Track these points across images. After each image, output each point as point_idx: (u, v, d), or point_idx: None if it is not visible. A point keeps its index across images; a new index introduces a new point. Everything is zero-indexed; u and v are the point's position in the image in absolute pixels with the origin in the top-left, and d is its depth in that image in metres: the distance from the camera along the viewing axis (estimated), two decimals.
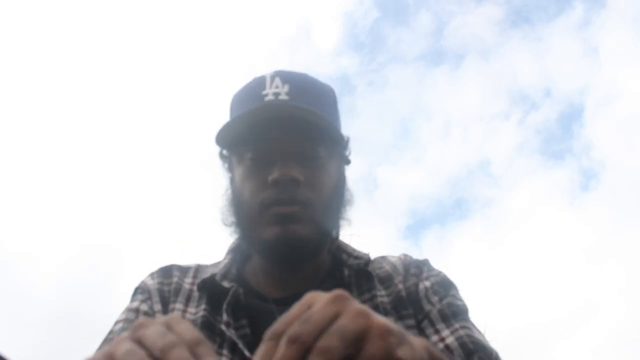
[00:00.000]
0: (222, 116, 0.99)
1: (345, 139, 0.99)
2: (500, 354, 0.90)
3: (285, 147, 0.90)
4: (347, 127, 1.02)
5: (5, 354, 0.64)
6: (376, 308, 0.90)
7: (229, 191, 0.99)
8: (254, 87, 0.94)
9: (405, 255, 1.04)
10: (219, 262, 1.00)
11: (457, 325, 0.89)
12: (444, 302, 0.93)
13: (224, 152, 1.00)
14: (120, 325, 0.91)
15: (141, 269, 1.01)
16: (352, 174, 1.03)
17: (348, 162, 1.02)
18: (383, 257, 1.04)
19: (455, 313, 0.92)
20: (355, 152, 1.02)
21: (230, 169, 1.00)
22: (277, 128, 0.90)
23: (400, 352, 0.46)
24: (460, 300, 0.96)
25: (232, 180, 0.99)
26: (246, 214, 0.92)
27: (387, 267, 0.99)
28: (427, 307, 0.93)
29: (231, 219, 0.97)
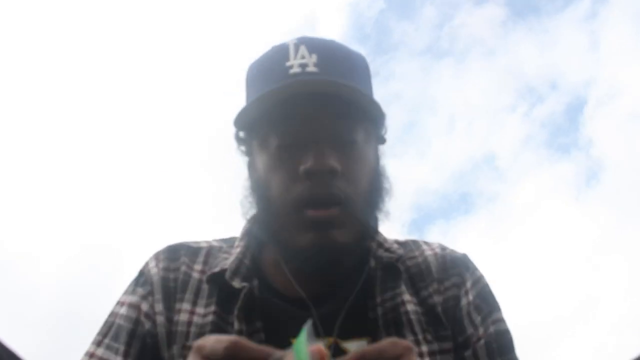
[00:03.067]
0: (223, 113, 0.94)
1: (383, 114, 0.85)
2: None
3: (318, 129, 0.77)
4: None
5: (17, 352, 0.63)
6: (396, 309, 0.80)
7: (250, 181, 0.86)
8: (276, 57, 0.81)
9: (443, 249, 0.91)
10: (232, 247, 0.89)
11: None
12: (491, 329, 0.83)
13: (242, 134, 0.86)
14: (123, 314, 0.84)
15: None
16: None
17: (384, 141, 0.88)
18: (416, 244, 0.91)
19: (502, 348, 0.82)
20: None
21: (250, 153, 0.86)
22: (308, 107, 0.77)
23: None
24: (506, 324, 0.85)
25: (251, 166, 0.86)
26: (276, 215, 0.79)
27: (420, 261, 0.88)
28: (470, 329, 0.82)
29: (254, 212, 0.86)
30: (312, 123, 0.77)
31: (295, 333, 0.78)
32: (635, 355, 0.59)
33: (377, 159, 0.86)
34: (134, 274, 0.90)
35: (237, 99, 0.89)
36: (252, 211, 0.86)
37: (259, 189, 0.82)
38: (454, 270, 0.87)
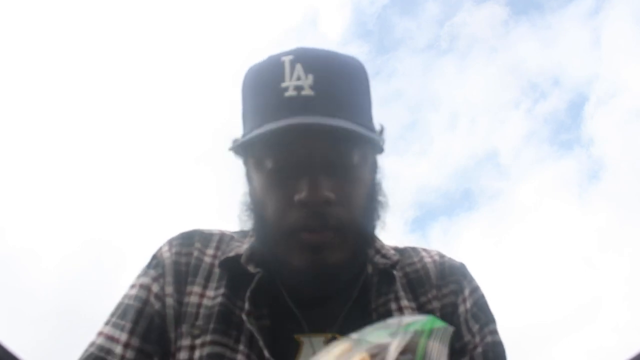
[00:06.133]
0: (224, 110, 0.95)
1: (380, 129, 0.86)
2: None
3: (313, 156, 0.77)
4: None
5: (15, 352, 0.63)
6: (389, 314, 0.83)
7: (247, 196, 0.88)
8: (271, 74, 0.80)
9: (442, 257, 0.93)
10: (244, 237, 0.92)
11: None
12: (488, 338, 0.85)
13: (238, 149, 0.87)
14: (133, 294, 0.87)
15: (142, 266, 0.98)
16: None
17: (382, 150, 0.88)
18: (415, 251, 0.94)
19: (498, 359, 0.84)
20: None
21: (247, 167, 0.88)
22: (303, 135, 0.77)
23: None
24: (500, 336, 0.87)
25: (249, 179, 0.87)
26: (271, 235, 0.81)
27: (419, 268, 0.91)
28: (467, 336, 0.85)
29: (251, 228, 0.87)
30: (307, 150, 0.78)
31: (297, 325, 0.82)
32: (635, 352, 0.60)
33: (374, 174, 0.87)
34: (135, 270, 0.92)
35: (237, 97, 0.90)
36: (249, 225, 0.88)
37: (256, 208, 0.84)
38: (452, 278, 0.90)
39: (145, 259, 0.93)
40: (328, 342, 0.81)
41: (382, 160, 0.90)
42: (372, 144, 0.84)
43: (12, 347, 0.64)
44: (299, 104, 0.77)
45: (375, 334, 0.55)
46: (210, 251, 0.90)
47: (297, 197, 0.77)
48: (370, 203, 0.84)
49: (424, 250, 0.95)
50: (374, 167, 0.87)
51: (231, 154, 0.89)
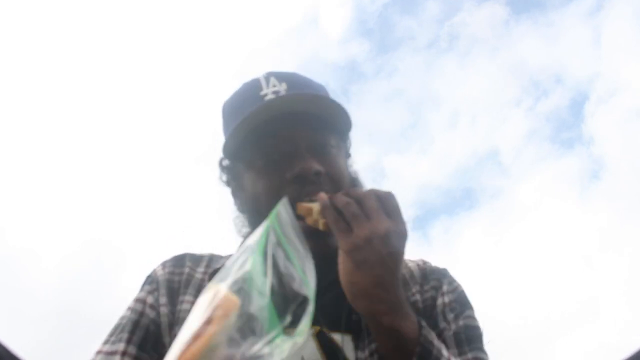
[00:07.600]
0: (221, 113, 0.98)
1: (350, 124, 0.97)
2: None
3: (297, 142, 0.89)
4: (355, 115, 1.01)
5: (16, 352, 0.64)
6: None
7: (239, 203, 0.97)
8: (249, 90, 0.93)
9: (424, 262, 1.02)
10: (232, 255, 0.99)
11: (469, 356, 0.87)
12: (460, 322, 0.91)
13: (225, 162, 0.98)
14: (129, 312, 0.93)
15: (142, 266, 1.02)
16: (360, 163, 1.04)
17: (349, 155, 1.01)
18: None
19: (470, 339, 0.90)
20: (363, 141, 1.02)
21: (236, 178, 0.97)
22: (285, 126, 0.88)
23: None
24: (476, 321, 0.93)
25: (238, 190, 0.97)
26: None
27: (405, 272, 0.97)
28: (442, 324, 0.91)
29: (247, 229, 0.95)
30: (290, 138, 0.89)
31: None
32: (634, 350, 0.60)
33: (349, 167, 0.98)
34: (134, 270, 0.97)
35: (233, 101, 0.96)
36: (245, 229, 0.96)
37: (249, 204, 0.93)
38: (433, 276, 0.99)
39: (142, 277, 0.99)
40: (316, 335, 0.86)
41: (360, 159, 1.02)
42: (342, 137, 0.96)
43: (13, 347, 0.64)
44: (278, 101, 0.88)
45: (233, 270, 0.62)
46: (200, 269, 0.97)
47: (289, 174, 0.87)
48: (351, 186, 0.94)
49: (408, 259, 1.03)
50: (349, 161, 0.99)
51: (220, 168, 0.99)
